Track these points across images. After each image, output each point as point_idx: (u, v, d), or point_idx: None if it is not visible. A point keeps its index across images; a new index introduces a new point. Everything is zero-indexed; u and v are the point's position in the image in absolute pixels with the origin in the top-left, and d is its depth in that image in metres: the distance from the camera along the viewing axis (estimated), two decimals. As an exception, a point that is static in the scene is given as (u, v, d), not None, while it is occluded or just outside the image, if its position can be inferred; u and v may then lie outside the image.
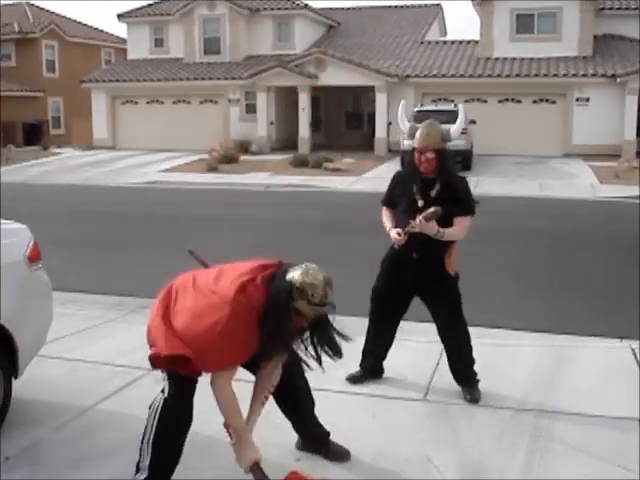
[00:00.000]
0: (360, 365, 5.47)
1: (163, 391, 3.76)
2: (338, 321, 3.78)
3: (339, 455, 4.14)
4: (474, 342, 5.40)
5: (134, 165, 26.16)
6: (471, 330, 6.32)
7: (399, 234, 4.97)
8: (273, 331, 3.57)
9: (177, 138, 31.16)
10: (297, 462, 4.09)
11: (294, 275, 3.58)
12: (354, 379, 5.38)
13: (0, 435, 4.38)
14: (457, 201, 5.04)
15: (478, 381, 5.25)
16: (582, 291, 8.76)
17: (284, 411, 4.21)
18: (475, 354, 5.36)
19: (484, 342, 6.24)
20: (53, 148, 33.20)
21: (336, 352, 3.75)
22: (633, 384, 5.47)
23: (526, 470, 4.11)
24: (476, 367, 5.32)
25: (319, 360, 3.78)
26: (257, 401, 3.94)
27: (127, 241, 12.14)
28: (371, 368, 5.48)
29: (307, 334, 3.71)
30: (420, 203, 5.02)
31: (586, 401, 5.12)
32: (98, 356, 5.98)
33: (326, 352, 3.74)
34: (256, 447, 3.77)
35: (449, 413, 4.91)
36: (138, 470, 3.72)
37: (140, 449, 3.72)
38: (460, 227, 5.05)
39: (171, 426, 3.71)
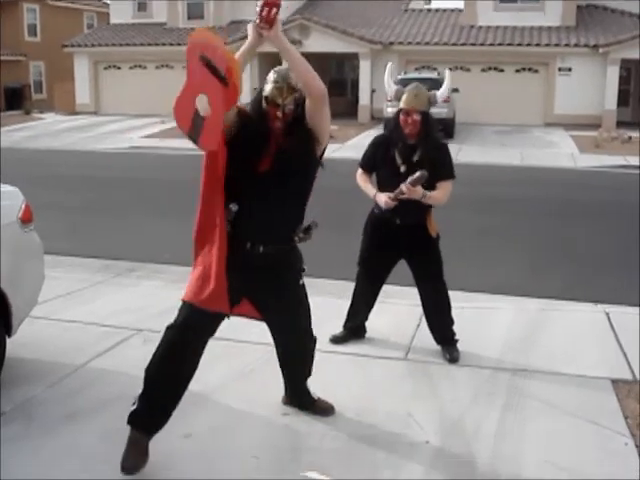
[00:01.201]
0: (344, 326, 5.64)
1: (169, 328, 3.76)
2: (322, 284, 3.91)
3: (324, 410, 4.31)
4: (454, 305, 5.57)
5: (117, 130, 26.06)
6: (451, 294, 6.53)
7: (390, 199, 5.06)
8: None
9: (160, 103, 30.73)
10: (284, 416, 4.27)
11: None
12: (337, 339, 5.55)
13: (-5, 391, 4.53)
14: (439, 166, 5.15)
15: (457, 341, 5.44)
16: (561, 257, 8.96)
17: (283, 368, 4.32)
18: (454, 317, 5.54)
19: (463, 305, 6.43)
20: (35, 113, 32.95)
21: None
22: (606, 346, 5.70)
23: (501, 424, 4.31)
24: (455, 329, 5.50)
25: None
26: None
27: (112, 205, 12.20)
28: (355, 328, 5.65)
29: None
30: (402, 168, 5.11)
31: (561, 361, 5.33)
32: (87, 317, 6.11)
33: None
34: None
35: (429, 371, 5.10)
36: (133, 403, 3.75)
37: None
38: (443, 191, 5.18)
39: (168, 356, 3.68)
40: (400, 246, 5.32)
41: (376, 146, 5.40)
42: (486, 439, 4.12)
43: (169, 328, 3.74)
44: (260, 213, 3.71)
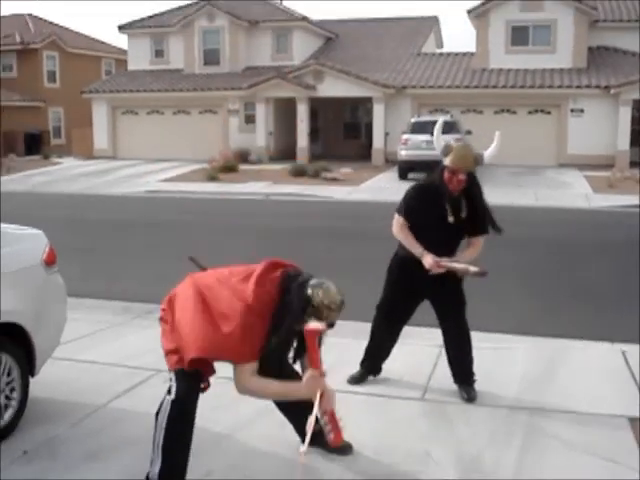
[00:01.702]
0: (361, 365, 5.69)
1: (170, 392, 3.87)
2: (339, 325, 3.97)
3: (342, 448, 4.33)
4: (474, 346, 5.60)
5: (134, 175, 26.38)
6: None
7: (438, 265, 5.13)
8: (278, 334, 3.73)
9: (177, 148, 31.42)
10: (302, 455, 4.30)
11: (314, 292, 3.69)
12: (355, 379, 5.60)
13: (18, 430, 4.60)
14: (479, 221, 5.28)
15: (475, 381, 5.47)
16: (576, 296, 8.98)
17: (287, 416, 4.39)
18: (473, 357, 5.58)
19: (481, 345, 6.46)
20: (54, 158, 33.45)
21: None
22: (623, 384, 5.71)
23: (519, 462, 4.33)
24: (475, 369, 5.54)
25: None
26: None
27: (129, 248, 12.35)
28: (371, 368, 5.69)
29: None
30: (451, 219, 5.19)
31: (578, 400, 5.34)
32: (108, 358, 6.19)
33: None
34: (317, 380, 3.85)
35: (446, 411, 5.13)
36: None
37: (151, 459, 3.82)
38: (475, 247, 5.32)
39: (180, 426, 3.80)
40: (426, 287, 5.36)
41: (416, 194, 5.39)
42: (504, 477, 4.14)
43: (174, 403, 3.81)
44: None
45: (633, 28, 29.82)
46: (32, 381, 4.84)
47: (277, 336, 3.75)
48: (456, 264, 5.14)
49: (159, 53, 34.87)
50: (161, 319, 4.03)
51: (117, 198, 20.68)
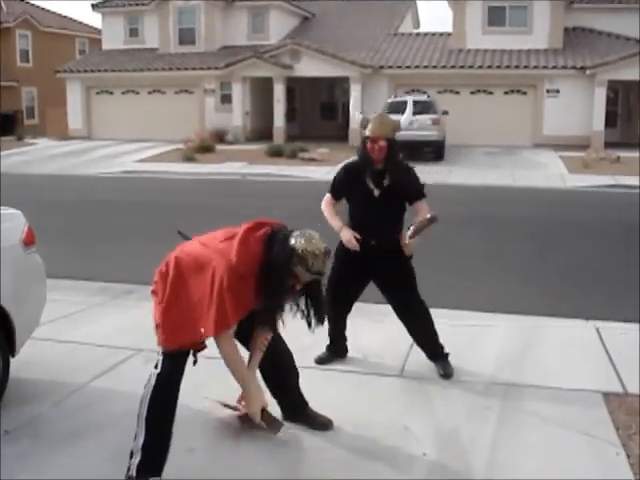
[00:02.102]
0: (327, 348, 5.73)
1: (156, 366, 3.93)
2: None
3: (323, 424, 4.42)
4: (449, 324, 5.69)
5: (110, 155, 26.20)
6: (445, 312, 6.70)
7: (357, 239, 5.26)
8: (270, 291, 3.78)
9: (153, 128, 31.20)
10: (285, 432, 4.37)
11: (297, 241, 3.77)
12: (321, 360, 5.63)
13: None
14: (411, 188, 5.36)
15: (447, 354, 5.55)
16: (551, 275, 9.10)
17: (270, 384, 4.44)
18: (449, 334, 5.66)
19: (455, 323, 6.60)
20: (28, 138, 33.06)
21: (320, 319, 4.02)
22: (597, 361, 5.82)
23: (496, 436, 4.42)
24: (450, 346, 5.61)
25: (309, 324, 4.02)
26: (255, 350, 4.19)
27: (107, 229, 12.30)
28: (335, 350, 5.73)
29: (301, 298, 3.95)
30: (376, 193, 5.29)
31: (553, 376, 5.44)
32: (88, 338, 6.20)
33: (311, 318, 3.99)
34: (262, 395, 4.00)
35: (424, 387, 5.21)
36: (132, 455, 3.81)
37: (135, 433, 3.84)
38: (420, 214, 5.33)
39: (165, 400, 3.87)
40: (374, 267, 5.43)
41: (348, 172, 5.51)
42: (481, 451, 4.23)
43: (160, 376, 3.88)
44: None
45: (609, 9, 30.00)
46: (12, 362, 4.85)
47: (267, 294, 3.78)
48: (410, 231, 5.19)
49: (134, 32, 34.54)
50: (152, 292, 4.09)
51: (93, 179, 20.55)
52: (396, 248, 5.39)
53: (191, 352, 3.98)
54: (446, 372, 5.42)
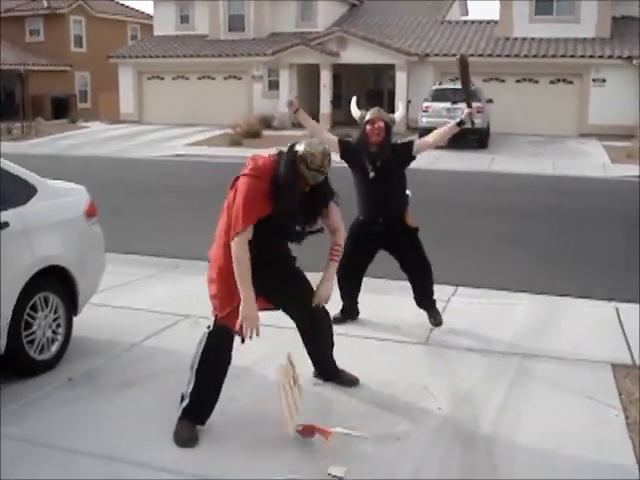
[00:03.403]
0: (341, 311, 6.36)
1: (209, 327, 4.40)
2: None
3: (350, 381, 4.91)
4: (478, 302, 6.18)
5: (160, 139, 26.94)
6: (476, 292, 7.20)
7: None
8: (285, 187, 4.29)
9: (201, 113, 31.90)
10: (315, 386, 4.87)
11: (298, 145, 4.35)
12: (336, 320, 5.98)
13: (63, 362, 5.21)
14: (404, 148, 6.07)
15: (434, 301, 6.29)
16: (582, 261, 9.42)
17: (308, 345, 4.90)
18: (477, 310, 6.20)
19: (486, 301, 7.06)
20: (81, 122, 34.08)
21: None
22: (611, 336, 6.21)
23: (507, 397, 4.87)
24: (477, 321, 6.24)
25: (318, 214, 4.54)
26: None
27: (158, 209, 12.94)
28: (348, 314, 6.39)
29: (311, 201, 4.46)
30: (371, 175, 5.97)
31: (567, 348, 5.85)
32: (139, 305, 6.80)
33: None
34: (256, 311, 4.30)
35: (445, 355, 5.67)
36: (182, 399, 4.30)
37: (188, 379, 4.33)
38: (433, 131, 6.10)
39: (213, 357, 4.31)
40: (382, 241, 6.14)
41: (351, 145, 6.23)
42: (491, 408, 4.69)
43: (210, 334, 4.35)
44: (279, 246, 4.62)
45: (658, -2, 29.75)
46: (74, 321, 5.43)
47: (282, 197, 4.28)
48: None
49: (184, 19, 35.20)
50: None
51: (145, 161, 21.27)
52: (402, 222, 6.10)
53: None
54: (437, 320, 6.20)
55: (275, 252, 4.60)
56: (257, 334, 4.24)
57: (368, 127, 5.91)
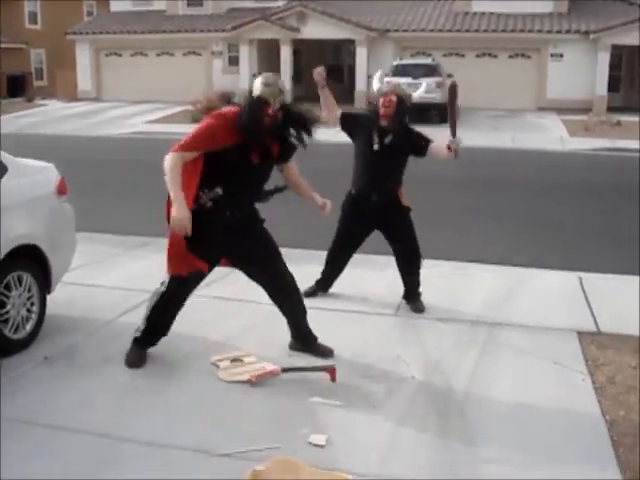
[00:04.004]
0: (315, 283, 6.42)
1: (163, 283, 4.77)
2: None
3: (324, 352, 5.01)
4: (442, 271, 6.26)
5: (120, 116, 26.66)
6: (440, 263, 7.32)
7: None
8: (249, 121, 4.54)
9: (161, 90, 31.57)
10: (290, 357, 4.96)
11: (255, 79, 4.72)
12: (307, 294, 6.15)
13: (39, 340, 5.22)
14: (417, 139, 5.98)
15: (420, 294, 6.23)
16: (544, 232, 9.63)
17: (283, 309, 5.05)
18: (444, 281, 6.29)
19: (453, 272, 7.21)
20: (37, 100, 33.50)
21: (313, 122, 4.89)
22: (576, 304, 6.41)
23: (477, 364, 5.02)
24: (445, 292, 6.35)
25: (301, 138, 4.84)
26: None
27: (121, 186, 12.86)
28: (323, 286, 6.42)
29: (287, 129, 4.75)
30: (376, 147, 5.90)
31: (534, 316, 6.03)
32: (111, 282, 6.80)
33: (301, 132, 4.81)
34: (187, 210, 4.54)
35: (416, 325, 5.81)
36: (136, 330, 4.90)
37: (143, 315, 4.87)
38: (438, 140, 6.04)
39: (162, 313, 4.83)
40: (375, 219, 6.09)
41: (359, 116, 6.24)
42: (463, 375, 4.83)
43: (169, 284, 4.75)
44: (245, 193, 4.74)
45: (614, -27, 30.07)
46: (47, 299, 5.43)
47: (246, 122, 4.56)
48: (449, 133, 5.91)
49: (142, -6, 34.76)
50: None
51: (105, 139, 21.06)
52: (396, 202, 6.04)
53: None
54: (418, 307, 6.12)
55: (243, 207, 4.78)
56: (189, 232, 4.49)
57: (381, 99, 5.87)
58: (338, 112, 6.12)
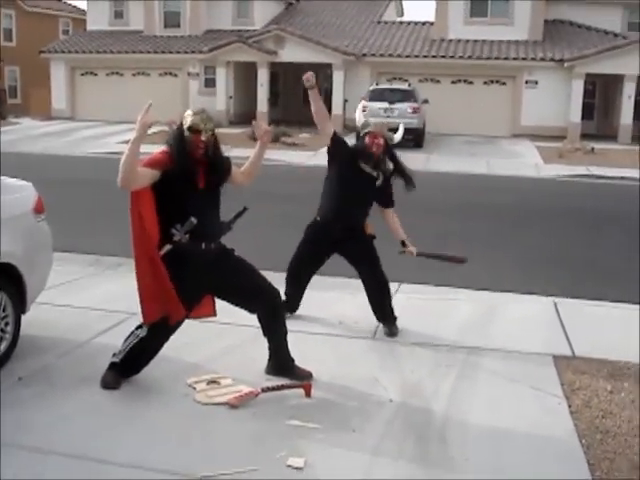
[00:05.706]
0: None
1: (141, 327, 4.82)
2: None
3: (303, 376, 4.98)
4: (420, 297, 6.29)
5: (94, 136, 26.50)
6: (417, 287, 7.34)
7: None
8: (176, 152, 4.85)
9: (136, 110, 30.50)
10: (268, 381, 4.93)
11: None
12: None
13: (13, 360, 5.14)
14: (386, 190, 6.20)
15: (395, 318, 6.22)
16: (519, 256, 9.70)
17: (269, 334, 5.06)
18: (421, 306, 6.32)
19: (430, 297, 7.23)
20: (11, 117, 33.25)
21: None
22: (551, 329, 6.46)
23: (455, 389, 5.03)
24: (421, 316, 6.37)
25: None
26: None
27: (96, 206, 12.77)
28: (290, 308, 6.35)
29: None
30: (378, 182, 6.04)
31: (510, 341, 6.06)
32: (85, 303, 6.73)
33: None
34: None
35: (393, 348, 5.81)
36: (114, 355, 4.89)
37: (123, 347, 4.86)
38: (390, 218, 6.33)
39: (141, 354, 4.87)
40: (336, 245, 6.15)
41: (347, 147, 6.18)
42: (441, 399, 4.83)
43: (149, 332, 4.78)
44: (209, 220, 4.81)
45: (589, 3, 30.54)
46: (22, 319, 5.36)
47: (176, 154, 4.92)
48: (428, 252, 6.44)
49: (118, 14, 34.67)
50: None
51: (79, 159, 20.94)
52: (361, 230, 6.15)
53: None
54: (392, 331, 6.12)
55: (214, 236, 4.86)
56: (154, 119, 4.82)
57: (368, 139, 5.93)
58: (332, 129, 6.11)
